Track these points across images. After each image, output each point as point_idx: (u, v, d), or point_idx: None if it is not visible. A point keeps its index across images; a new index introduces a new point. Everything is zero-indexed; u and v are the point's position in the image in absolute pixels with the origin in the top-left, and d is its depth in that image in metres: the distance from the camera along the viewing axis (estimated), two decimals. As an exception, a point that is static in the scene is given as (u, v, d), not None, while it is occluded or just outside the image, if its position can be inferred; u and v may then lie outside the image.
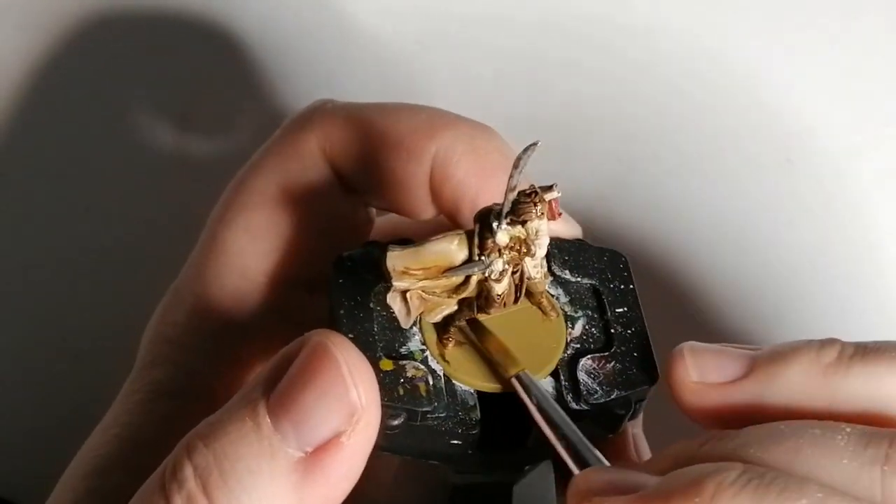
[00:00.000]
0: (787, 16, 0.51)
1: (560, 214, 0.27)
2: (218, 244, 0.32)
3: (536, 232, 0.26)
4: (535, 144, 0.25)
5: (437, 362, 0.29)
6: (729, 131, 0.49)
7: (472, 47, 0.50)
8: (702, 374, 0.27)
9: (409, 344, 0.29)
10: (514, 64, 0.50)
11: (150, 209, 0.47)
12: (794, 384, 0.26)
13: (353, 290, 0.29)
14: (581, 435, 0.27)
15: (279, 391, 0.25)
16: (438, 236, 0.28)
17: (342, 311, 0.29)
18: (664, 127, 0.49)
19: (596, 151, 0.49)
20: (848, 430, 0.24)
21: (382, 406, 0.26)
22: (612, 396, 0.28)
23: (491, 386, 0.28)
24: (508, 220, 0.26)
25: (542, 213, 0.26)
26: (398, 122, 0.31)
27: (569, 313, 0.30)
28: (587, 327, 0.30)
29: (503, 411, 0.28)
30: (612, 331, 0.29)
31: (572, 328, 0.29)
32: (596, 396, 0.28)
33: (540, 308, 0.29)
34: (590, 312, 0.30)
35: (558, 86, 0.50)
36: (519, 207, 0.26)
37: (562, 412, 0.27)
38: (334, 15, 0.49)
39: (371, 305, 0.29)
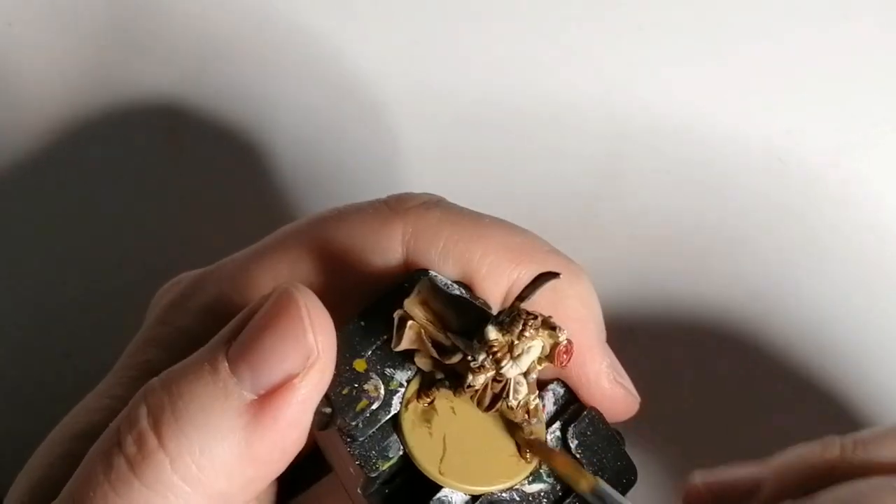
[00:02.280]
0: (779, 16, 0.51)
1: (564, 366, 0.26)
2: (265, 261, 0.31)
3: (520, 354, 0.26)
4: (557, 274, 0.26)
5: (401, 404, 0.28)
6: (719, 130, 0.50)
7: (463, 44, 0.50)
8: (719, 500, 0.28)
9: (398, 372, 0.28)
10: (506, 63, 0.50)
11: (145, 214, 0.47)
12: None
13: (399, 303, 0.28)
14: None
15: (240, 338, 0.26)
16: (480, 301, 0.28)
17: (374, 304, 0.29)
18: (656, 128, 0.49)
19: (585, 150, 0.49)
20: None
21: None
22: None
23: (422, 462, 0.28)
24: (500, 323, 0.26)
25: (523, 337, 0.26)
26: (488, 239, 0.30)
27: (541, 471, 0.29)
28: (541, 493, 0.28)
29: (409, 488, 0.28)
30: None
31: (529, 484, 0.29)
32: None
33: (518, 445, 0.28)
34: (557, 486, 0.29)
35: (550, 84, 0.50)
36: (512, 318, 0.26)
37: None
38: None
39: None
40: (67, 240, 0.46)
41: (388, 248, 0.31)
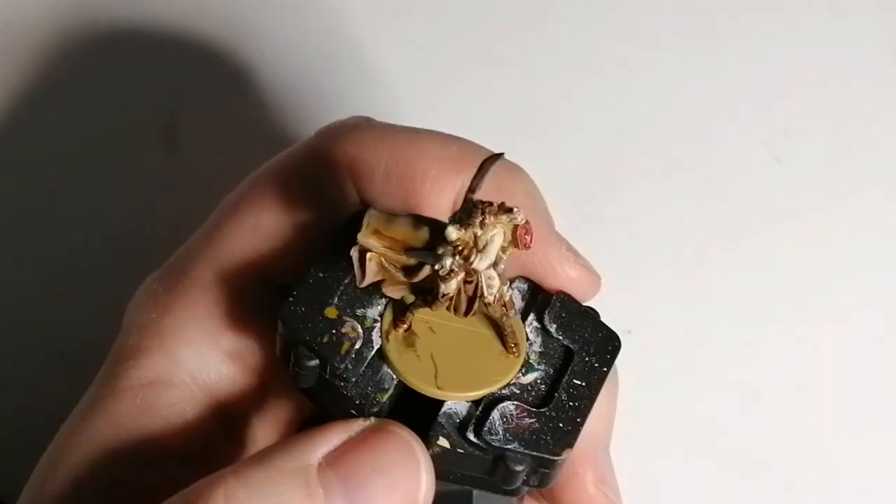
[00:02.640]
0: (775, 15, 0.51)
1: (528, 246, 0.26)
2: (223, 233, 0.31)
3: (485, 245, 0.26)
4: (500, 154, 0.26)
5: (381, 337, 0.29)
6: (717, 130, 0.50)
7: (461, 44, 0.50)
8: None
9: (369, 310, 0.29)
10: (503, 59, 0.50)
11: (136, 210, 0.47)
12: None
13: (352, 242, 0.28)
14: None
15: (343, 465, 0.25)
16: (422, 216, 0.28)
17: (327, 254, 0.29)
18: (653, 127, 0.49)
19: (583, 150, 0.49)
20: None
21: (302, 345, 0.27)
22: (509, 447, 0.28)
23: (418, 384, 0.28)
24: (459, 220, 0.26)
25: (484, 225, 0.26)
26: (427, 153, 0.30)
27: (531, 361, 0.29)
28: (537, 381, 0.29)
29: (414, 413, 0.28)
30: (556, 394, 0.29)
31: (524, 375, 0.29)
32: (494, 438, 0.28)
33: (503, 340, 0.29)
34: (550, 370, 0.29)
35: (547, 83, 0.50)
36: (469, 212, 0.26)
37: None
38: (325, 29, 0.49)
39: None
40: (63, 238, 0.46)
41: (334, 182, 0.31)
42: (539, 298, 0.30)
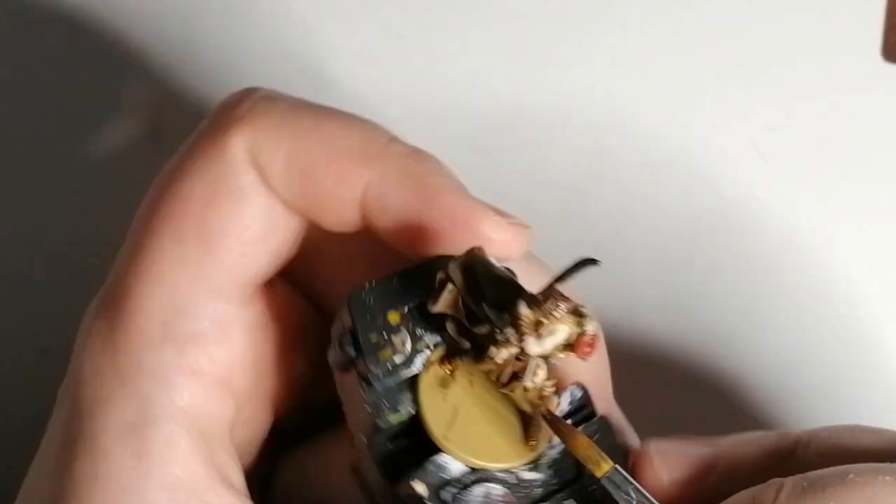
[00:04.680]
0: (760, 12, 0.51)
1: (588, 356, 0.27)
2: (145, 250, 0.30)
3: (546, 334, 0.26)
4: (595, 262, 0.26)
5: (423, 365, 0.28)
6: (701, 126, 0.50)
7: (446, 36, 0.50)
8: (671, 475, 0.29)
9: (428, 335, 0.29)
10: (490, 53, 0.50)
11: (119, 207, 0.47)
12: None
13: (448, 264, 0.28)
14: None
15: None
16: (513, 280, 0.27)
17: (418, 266, 0.29)
18: (640, 123, 0.49)
19: (571, 145, 0.49)
20: None
21: (350, 332, 0.28)
22: None
23: (430, 424, 0.28)
24: (533, 301, 0.26)
25: (552, 317, 0.26)
26: (330, 143, 0.30)
27: (542, 462, 0.29)
28: (536, 483, 0.28)
29: (409, 450, 0.28)
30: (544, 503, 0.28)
31: (527, 471, 0.28)
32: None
33: (527, 430, 0.28)
34: (553, 480, 0.28)
35: (532, 77, 0.50)
36: (545, 297, 0.26)
37: None
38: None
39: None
40: (46, 233, 0.46)
41: (239, 168, 0.30)
42: (584, 412, 0.30)
